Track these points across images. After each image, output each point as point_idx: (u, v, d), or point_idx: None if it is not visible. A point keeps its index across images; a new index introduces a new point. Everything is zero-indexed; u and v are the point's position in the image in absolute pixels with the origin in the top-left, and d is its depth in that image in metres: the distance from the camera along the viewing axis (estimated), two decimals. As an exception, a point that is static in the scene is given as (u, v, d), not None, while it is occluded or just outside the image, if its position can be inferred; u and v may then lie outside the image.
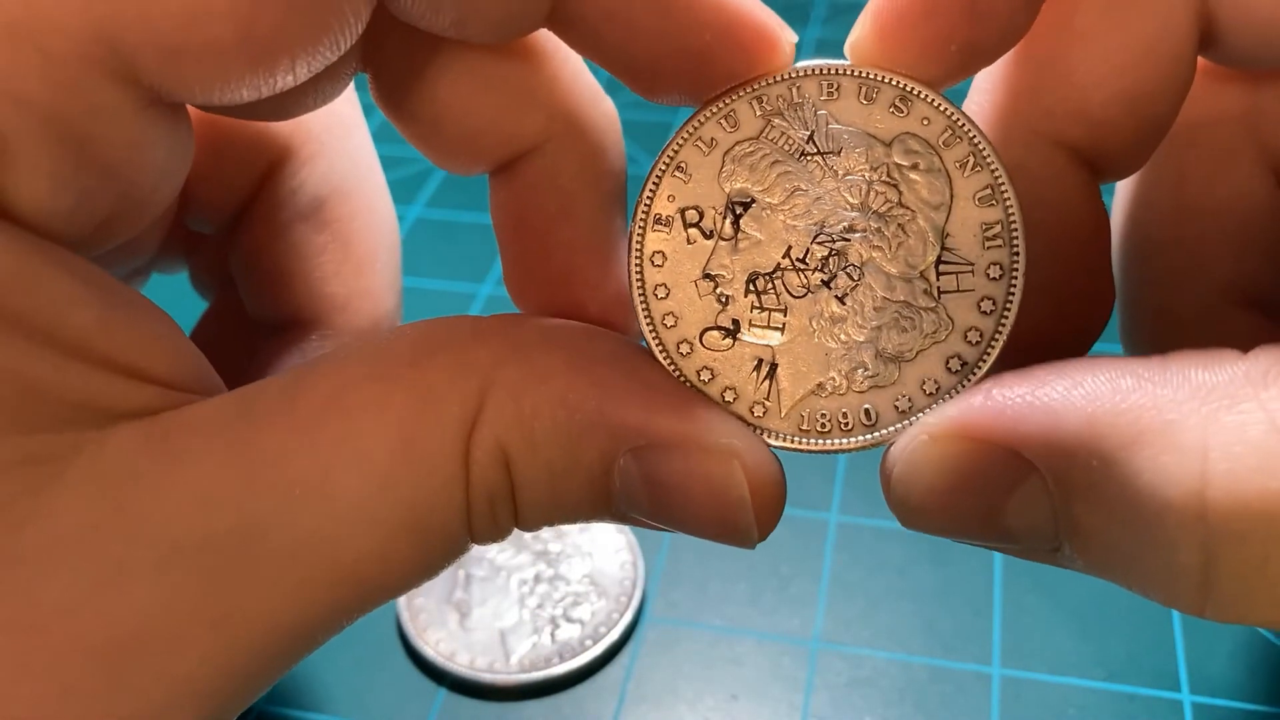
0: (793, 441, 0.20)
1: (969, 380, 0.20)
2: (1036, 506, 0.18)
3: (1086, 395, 0.17)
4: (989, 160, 0.20)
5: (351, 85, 0.23)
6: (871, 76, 0.20)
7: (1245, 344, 0.24)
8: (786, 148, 0.20)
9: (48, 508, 0.17)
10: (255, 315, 0.27)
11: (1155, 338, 0.25)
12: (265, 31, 0.18)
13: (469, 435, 0.19)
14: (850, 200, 0.20)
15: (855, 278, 0.20)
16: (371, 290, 0.27)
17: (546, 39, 0.22)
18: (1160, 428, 0.16)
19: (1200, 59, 0.22)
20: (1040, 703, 0.33)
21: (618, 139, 0.23)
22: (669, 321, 0.21)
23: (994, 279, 0.20)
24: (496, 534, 0.20)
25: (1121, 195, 0.26)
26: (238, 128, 0.26)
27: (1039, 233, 0.20)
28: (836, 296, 0.20)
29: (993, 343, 0.20)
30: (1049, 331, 0.21)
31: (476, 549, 0.37)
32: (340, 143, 0.26)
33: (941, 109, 0.20)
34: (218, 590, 0.17)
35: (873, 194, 0.20)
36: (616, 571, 0.37)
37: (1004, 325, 0.20)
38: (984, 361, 0.20)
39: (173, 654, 0.17)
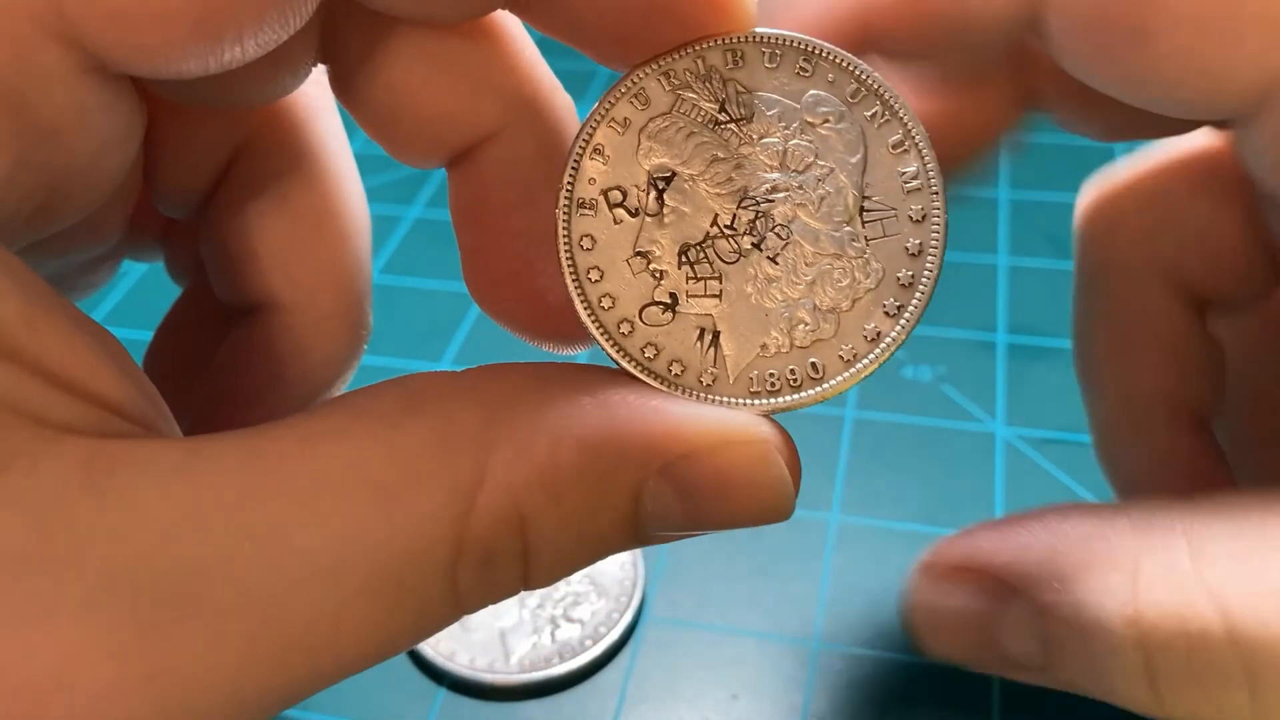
0: (747, 405, 0.20)
1: (907, 322, 0.20)
2: (1024, 628, 0.21)
3: (1052, 530, 0.21)
4: (899, 111, 0.20)
5: (322, 70, 0.23)
6: (775, 40, 0.20)
7: (1183, 460, 0.27)
8: (700, 119, 0.21)
9: None
10: (224, 299, 0.27)
11: (1112, 451, 0.29)
12: (211, 0, 0.18)
13: (468, 502, 0.17)
14: (769, 163, 0.21)
15: (784, 237, 0.21)
16: (340, 274, 0.26)
17: (502, 24, 0.22)
18: (1105, 552, 0.20)
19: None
20: (1040, 702, 0.33)
21: (575, 126, 0.23)
22: (606, 304, 0.21)
23: (916, 222, 0.20)
24: (492, 597, 0.19)
25: (1075, 325, 0.29)
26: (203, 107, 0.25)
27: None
28: (769, 257, 0.21)
29: (923, 282, 0.20)
30: None
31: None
32: (309, 125, 0.26)
33: (847, 67, 0.20)
34: (151, 641, 0.16)
35: (790, 154, 0.21)
36: (616, 571, 0.37)
37: (931, 264, 0.20)
38: (918, 302, 0.20)
39: (99, 704, 0.16)
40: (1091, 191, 0.28)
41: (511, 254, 0.23)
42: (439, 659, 0.35)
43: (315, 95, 0.26)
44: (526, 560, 0.18)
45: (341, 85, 0.23)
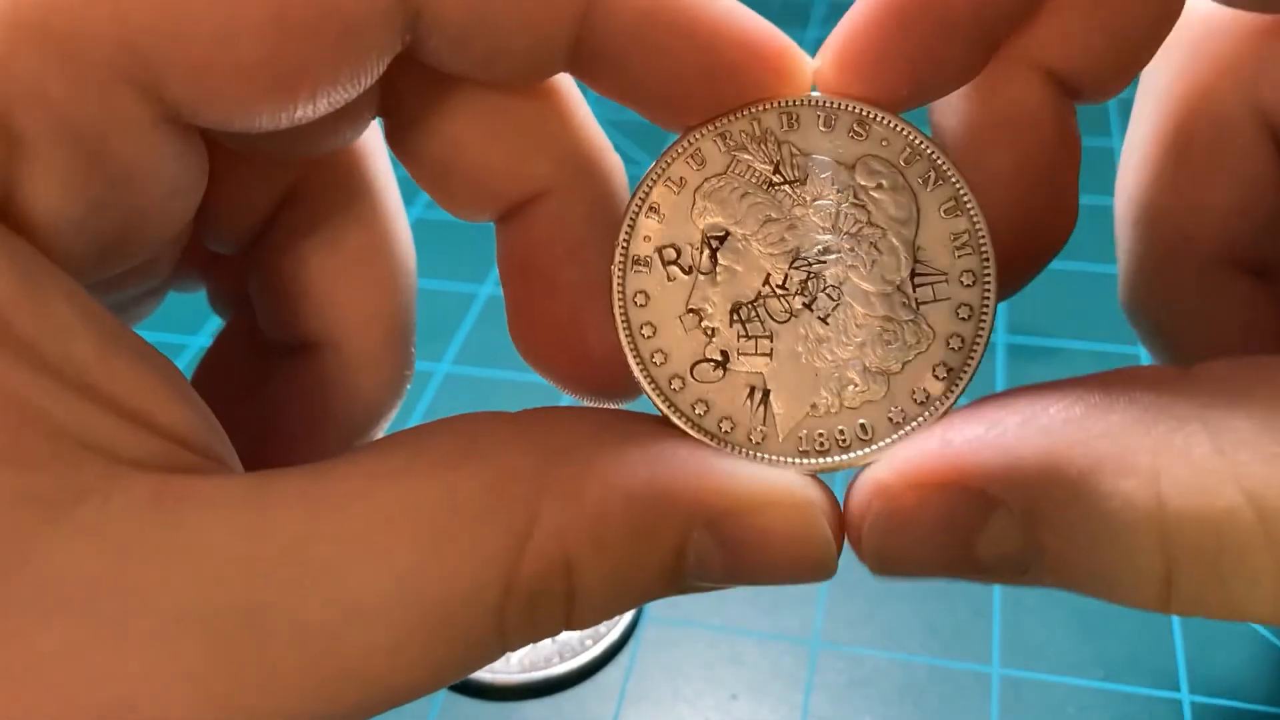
0: (795, 464, 0.20)
1: (956, 386, 0.20)
2: (1006, 537, 0.19)
3: (1042, 429, 0.18)
4: (949, 174, 0.21)
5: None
6: (829, 104, 0.21)
7: (1237, 308, 0.25)
8: (754, 180, 0.21)
9: (45, 553, 0.16)
10: (272, 336, 0.27)
11: (1153, 299, 0.26)
12: (290, 59, 0.18)
13: (518, 547, 0.18)
14: (821, 224, 0.21)
15: (835, 298, 0.21)
16: (389, 315, 0.27)
17: (558, 83, 0.23)
18: (1115, 454, 0.18)
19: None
20: (1040, 703, 0.34)
21: (624, 186, 0.24)
22: (658, 359, 0.21)
23: (967, 285, 0.21)
24: (534, 637, 0.19)
25: (1127, 158, 0.27)
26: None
27: (1012, 149, 0.21)
28: (819, 318, 0.21)
29: (974, 347, 0.20)
30: (1016, 244, 0.22)
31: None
32: (361, 166, 0.26)
33: (898, 130, 0.21)
34: (218, 668, 0.17)
35: (842, 216, 0.21)
36: (616, 571, 0.37)
37: (983, 329, 0.20)
38: (968, 367, 0.20)
39: None
40: (1194, 28, 0.26)
41: (558, 308, 0.23)
42: (439, 659, 0.35)
43: (366, 137, 0.26)
44: (571, 603, 0.19)
45: (398, 139, 0.23)
